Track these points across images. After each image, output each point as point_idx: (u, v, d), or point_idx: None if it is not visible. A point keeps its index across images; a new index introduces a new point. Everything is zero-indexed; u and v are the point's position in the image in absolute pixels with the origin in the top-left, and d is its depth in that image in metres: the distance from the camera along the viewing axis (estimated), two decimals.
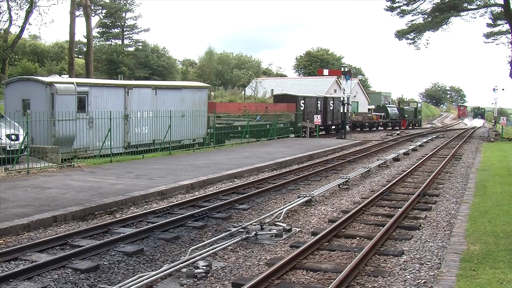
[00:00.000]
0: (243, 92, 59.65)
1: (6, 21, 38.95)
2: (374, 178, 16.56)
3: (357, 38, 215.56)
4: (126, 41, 64.65)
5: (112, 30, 64.09)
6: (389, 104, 64.78)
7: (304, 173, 16.92)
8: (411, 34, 40.39)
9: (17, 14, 52.55)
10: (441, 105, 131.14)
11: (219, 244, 8.30)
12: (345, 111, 35.40)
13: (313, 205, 12.11)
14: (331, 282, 6.66)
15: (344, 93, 35.02)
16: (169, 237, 9.08)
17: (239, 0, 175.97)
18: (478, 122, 72.16)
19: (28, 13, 37.85)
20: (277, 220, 10.19)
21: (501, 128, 39.72)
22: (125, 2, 61.57)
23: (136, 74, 56.81)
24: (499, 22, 39.34)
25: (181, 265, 7.19)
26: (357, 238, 9.16)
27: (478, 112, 74.90)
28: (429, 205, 12.03)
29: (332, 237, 9.14)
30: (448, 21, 38.75)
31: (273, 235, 9.30)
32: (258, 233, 9.12)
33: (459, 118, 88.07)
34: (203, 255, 7.66)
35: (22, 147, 15.73)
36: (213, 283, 6.99)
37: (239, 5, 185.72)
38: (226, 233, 9.11)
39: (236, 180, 15.71)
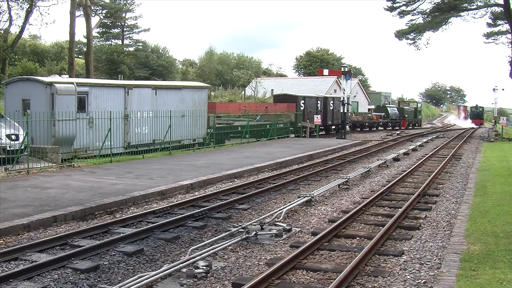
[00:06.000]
0: (243, 92, 59.64)
1: (6, 21, 38.91)
2: (374, 178, 16.56)
3: (357, 38, 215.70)
4: (126, 41, 64.71)
5: (112, 30, 64.10)
6: (389, 104, 64.72)
7: (304, 173, 16.92)
8: (411, 34, 40.42)
9: (17, 14, 52.44)
10: (441, 105, 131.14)
11: (219, 244, 8.30)
12: (345, 111, 35.39)
13: (313, 205, 12.11)
14: (331, 282, 6.66)
15: (344, 93, 35.02)
16: (169, 237, 9.08)
17: (239, 0, 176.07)
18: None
19: (28, 13, 37.82)
20: (277, 220, 10.19)
21: (501, 128, 39.72)
22: (125, 2, 61.56)
23: (136, 74, 56.81)
24: (499, 22, 39.36)
25: (181, 265, 7.19)
26: (357, 238, 9.16)
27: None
28: (429, 205, 12.03)
29: (332, 237, 9.14)
30: (448, 21, 38.76)
31: (273, 235, 9.30)
32: (258, 233, 9.12)
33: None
34: (203, 255, 7.66)
35: (22, 147, 15.73)
36: (213, 283, 6.99)
37: (239, 5, 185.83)
38: (226, 233, 9.11)
39: (236, 180, 15.71)
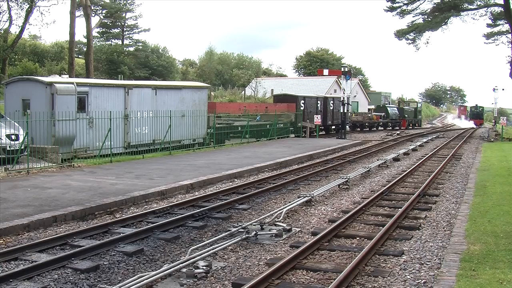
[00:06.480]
0: (243, 92, 59.64)
1: (6, 21, 38.90)
2: (374, 178, 16.56)
3: (357, 38, 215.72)
4: (126, 41, 64.70)
5: (112, 30, 64.09)
6: (389, 104, 64.68)
7: (304, 173, 16.92)
8: (411, 34, 40.41)
9: (17, 14, 52.44)
10: (441, 105, 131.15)
11: (219, 244, 8.30)
12: (345, 111, 35.39)
13: (313, 205, 12.11)
14: (331, 282, 6.66)
15: (344, 93, 35.02)
16: (169, 237, 9.08)
17: (239, 0, 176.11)
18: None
19: (28, 13, 37.80)
20: (277, 220, 10.19)
21: (501, 128, 39.72)
22: (125, 2, 61.55)
23: (136, 74, 56.79)
24: (499, 22, 39.36)
25: (181, 265, 7.19)
26: (357, 238, 9.16)
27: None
28: (429, 205, 12.03)
29: (332, 237, 9.14)
30: (448, 21, 38.75)
31: (273, 235, 9.30)
32: (258, 233, 9.12)
33: (459, 117, 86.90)
34: (203, 255, 7.66)
35: (22, 147, 15.73)
36: (213, 283, 7.00)
37: (239, 5, 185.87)
38: (226, 233, 9.11)
39: (236, 180, 15.71)
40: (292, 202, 11.54)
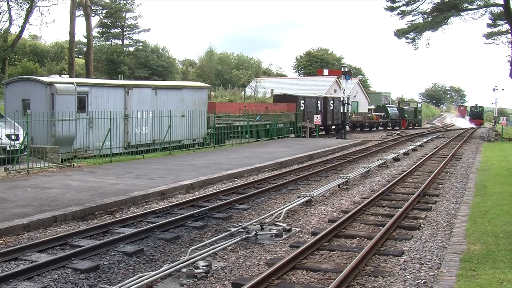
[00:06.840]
0: (243, 92, 59.64)
1: (6, 21, 38.93)
2: (374, 178, 16.56)
3: (357, 38, 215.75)
4: (126, 41, 64.71)
5: (112, 30, 64.09)
6: (389, 104, 64.68)
7: (304, 173, 16.92)
8: (411, 33, 40.39)
9: (17, 14, 52.41)
10: (441, 105, 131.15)
11: (219, 244, 8.30)
12: (345, 111, 35.39)
13: (313, 205, 12.11)
14: (331, 282, 6.66)
15: (344, 93, 35.02)
16: (169, 237, 9.09)
17: (239, 0, 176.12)
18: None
19: (28, 13, 37.83)
20: (277, 220, 10.19)
21: (501, 128, 39.72)
22: (125, 2, 61.54)
23: (136, 74, 56.79)
24: (499, 22, 39.35)
25: (181, 265, 7.19)
26: (357, 238, 9.16)
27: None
28: (429, 205, 12.03)
29: (332, 237, 9.14)
30: (448, 21, 38.74)
31: (273, 235, 9.30)
32: (258, 233, 9.12)
33: (457, 117, 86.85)
34: (203, 255, 7.66)
35: (22, 147, 15.73)
36: (213, 283, 7.00)
37: (239, 5, 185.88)
38: (226, 233, 9.11)
39: (236, 180, 15.71)
40: (292, 202, 11.54)
